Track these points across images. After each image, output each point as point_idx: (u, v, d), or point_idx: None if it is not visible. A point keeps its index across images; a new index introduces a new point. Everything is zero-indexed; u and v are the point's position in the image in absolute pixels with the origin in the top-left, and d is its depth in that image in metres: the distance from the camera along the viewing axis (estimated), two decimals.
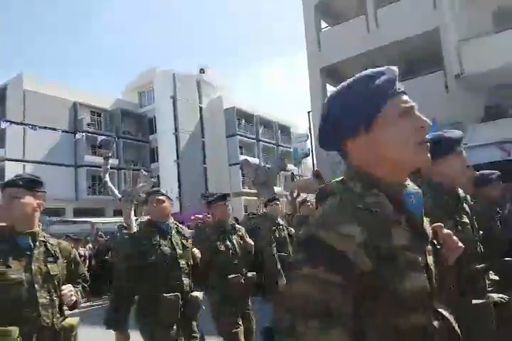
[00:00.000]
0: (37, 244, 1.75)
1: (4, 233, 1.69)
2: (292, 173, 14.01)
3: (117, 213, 18.17)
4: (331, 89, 13.87)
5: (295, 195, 12.78)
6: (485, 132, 8.51)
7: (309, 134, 13.84)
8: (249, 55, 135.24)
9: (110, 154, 13.60)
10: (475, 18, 9.72)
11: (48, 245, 1.79)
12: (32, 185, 1.76)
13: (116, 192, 11.90)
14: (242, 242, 3.25)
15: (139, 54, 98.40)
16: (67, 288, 1.80)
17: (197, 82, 29.46)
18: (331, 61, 12.36)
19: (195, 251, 2.85)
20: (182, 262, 2.56)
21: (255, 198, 13.63)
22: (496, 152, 7.95)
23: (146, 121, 29.14)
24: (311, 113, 13.48)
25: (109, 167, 12.84)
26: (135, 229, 5.35)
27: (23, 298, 1.63)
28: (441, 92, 10.28)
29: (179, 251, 2.58)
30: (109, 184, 12.01)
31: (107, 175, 12.40)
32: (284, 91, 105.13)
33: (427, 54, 10.77)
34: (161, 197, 2.66)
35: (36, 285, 1.67)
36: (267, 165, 11.74)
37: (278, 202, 4.69)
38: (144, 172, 13.75)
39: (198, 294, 2.59)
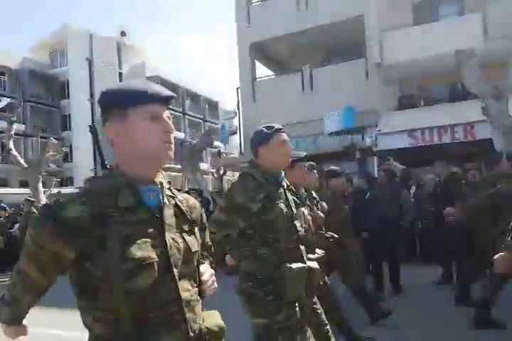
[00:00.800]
0: (165, 200, 1.06)
1: (119, 181, 1.02)
2: (219, 150, 13.92)
3: (24, 184, 16.44)
4: (260, 66, 13.85)
5: (222, 172, 12.79)
6: (397, 120, 9.28)
7: (237, 111, 13.75)
8: (176, 26, 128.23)
9: (15, 118, 12.13)
10: (397, 8, 10.25)
11: (179, 203, 1.10)
12: None
13: (21, 161, 10.75)
14: None
15: (54, 10, 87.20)
16: (208, 271, 1.16)
17: (117, 45, 27.16)
18: (261, 37, 12.21)
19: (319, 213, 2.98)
20: (298, 224, 1.99)
21: (180, 174, 13.30)
22: (406, 139, 8.75)
23: (58, 84, 26.59)
24: (239, 89, 13.36)
25: (13, 133, 11.48)
26: (44, 201, 4.84)
27: (158, 292, 0.97)
28: (361, 80, 10.87)
29: (294, 211, 2.01)
30: (14, 152, 10.78)
31: (11, 142, 11.09)
32: (213, 66, 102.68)
33: (350, 40, 11.17)
34: (286, 137, 2.01)
35: (175, 270, 1.01)
36: (193, 141, 11.47)
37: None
38: (54, 140, 12.56)
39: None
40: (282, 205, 1.88)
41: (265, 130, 1.98)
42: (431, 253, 5.97)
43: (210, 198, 7.95)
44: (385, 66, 9.84)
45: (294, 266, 1.83)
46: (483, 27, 8.57)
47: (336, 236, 3.25)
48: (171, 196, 1.09)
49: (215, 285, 1.18)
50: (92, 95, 24.22)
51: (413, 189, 6.89)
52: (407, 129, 8.78)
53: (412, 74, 9.94)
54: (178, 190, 1.16)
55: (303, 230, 2.02)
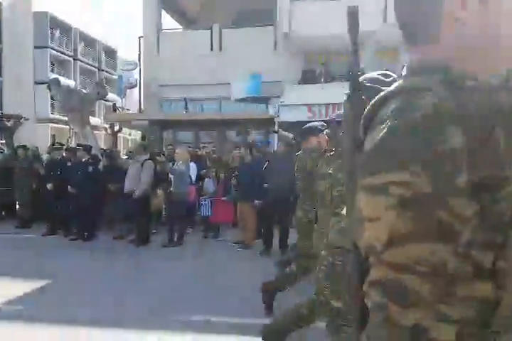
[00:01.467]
0: None
1: None
2: (114, 104, 12.77)
3: None
4: (167, 16, 12.80)
5: (116, 128, 11.81)
6: (299, 94, 9.60)
7: (138, 63, 12.61)
8: None
9: None
10: None
11: None
12: None
13: None
14: None
15: None
16: None
17: None
18: None
19: None
20: None
21: (66, 127, 11.90)
22: (305, 113, 9.14)
23: None
24: (142, 38, 12.22)
25: None
26: None
27: None
28: (269, 48, 10.86)
29: None
30: None
31: None
32: (114, 9, 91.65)
33: (262, 6, 10.95)
34: None
35: None
36: (84, 90, 10.24)
37: None
38: None
39: None
40: None
41: None
42: None
43: (99, 156, 7.31)
44: (292, 38, 9.91)
45: None
46: (383, 11, 9.10)
47: None
48: None
49: None
50: None
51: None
52: (308, 103, 9.17)
53: (316, 49, 10.22)
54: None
55: None
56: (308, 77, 10.68)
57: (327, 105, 8.98)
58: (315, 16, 9.54)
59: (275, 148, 7.36)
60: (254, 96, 10.37)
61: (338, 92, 10.37)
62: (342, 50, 9.82)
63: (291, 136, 5.60)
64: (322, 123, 3.43)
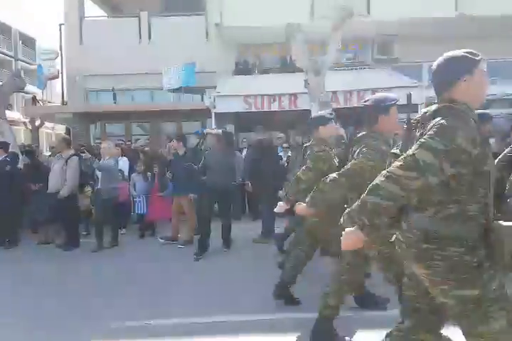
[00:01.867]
0: None
1: None
2: (34, 97, 11.68)
3: None
4: (89, 2, 11.91)
5: (37, 123, 10.81)
6: (234, 85, 9.52)
7: (60, 52, 11.60)
8: None
9: None
10: None
11: None
12: None
13: None
14: None
15: None
16: None
17: None
18: None
19: None
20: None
21: None
22: (241, 104, 9.10)
23: None
24: (63, 26, 11.26)
25: None
26: None
27: None
28: (201, 38, 10.57)
29: None
30: None
31: None
32: None
33: None
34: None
35: None
36: None
37: None
38: None
39: None
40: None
41: (469, 55, 1.61)
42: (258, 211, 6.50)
43: (19, 153, 6.64)
44: (223, 28, 9.74)
45: (506, 223, 1.53)
46: (311, 5, 9.28)
47: None
48: None
49: None
50: None
51: (245, 151, 7.34)
52: (243, 94, 9.11)
53: (248, 40, 10.17)
54: None
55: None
56: (241, 69, 10.62)
57: (262, 96, 9.00)
58: (247, 7, 9.42)
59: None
60: (189, 87, 10.10)
61: (272, 83, 10.57)
62: (272, 42, 9.88)
63: (220, 131, 5.50)
64: (329, 111, 3.39)
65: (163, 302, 3.52)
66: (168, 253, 5.25)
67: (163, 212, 6.05)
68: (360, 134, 2.52)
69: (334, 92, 8.46)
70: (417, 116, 1.68)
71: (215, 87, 9.66)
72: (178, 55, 9.85)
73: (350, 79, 9.06)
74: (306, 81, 7.61)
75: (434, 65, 1.64)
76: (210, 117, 9.32)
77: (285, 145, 7.30)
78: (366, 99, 2.53)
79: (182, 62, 9.82)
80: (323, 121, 3.22)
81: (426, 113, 1.61)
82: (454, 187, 1.51)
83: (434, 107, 1.59)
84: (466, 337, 1.56)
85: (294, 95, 8.85)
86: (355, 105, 8.47)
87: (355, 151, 2.48)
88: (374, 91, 8.56)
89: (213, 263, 4.68)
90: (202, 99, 10.51)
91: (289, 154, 6.75)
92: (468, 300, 1.50)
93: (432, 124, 1.50)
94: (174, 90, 10.29)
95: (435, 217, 1.53)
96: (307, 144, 3.35)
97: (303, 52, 7.64)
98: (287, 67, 10.06)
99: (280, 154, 6.91)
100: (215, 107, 9.11)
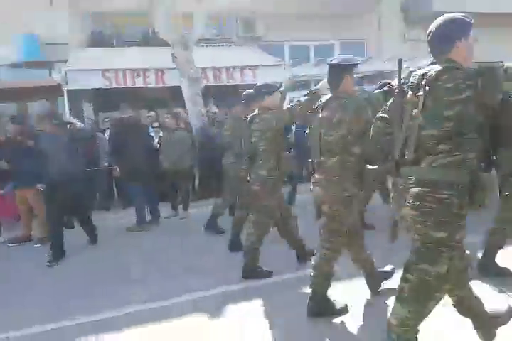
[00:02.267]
0: None
1: None
2: None
3: None
4: None
5: None
6: (89, 58, 8.35)
7: None
8: None
9: None
10: None
11: None
12: None
13: None
14: None
15: None
16: None
17: None
18: None
19: None
20: None
21: None
22: (100, 80, 8.04)
23: None
24: None
25: None
26: None
27: None
28: (44, 4, 8.86)
29: None
30: None
31: None
32: None
33: None
34: None
35: None
36: None
37: None
38: None
39: None
40: None
41: (466, 19, 1.70)
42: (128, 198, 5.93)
43: None
44: None
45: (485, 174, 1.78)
46: None
47: None
48: None
49: None
50: None
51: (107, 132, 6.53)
52: (101, 69, 8.03)
53: (105, 9, 9.00)
54: None
55: None
56: (97, 40, 9.39)
57: (124, 70, 8.10)
58: None
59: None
60: (32, 61, 8.46)
61: (135, 57, 9.62)
62: (133, 12, 8.95)
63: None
64: (276, 81, 3.38)
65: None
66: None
67: (5, 211, 5.14)
68: (326, 97, 2.52)
69: (203, 69, 8.13)
70: (411, 79, 1.70)
71: (66, 61, 8.32)
72: (14, 23, 8.10)
73: (217, 56, 8.85)
74: (173, 55, 7.10)
75: (433, 26, 1.69)
76: (62, 95, 8.02)
77: (155, 124, 6.75)
78: (331, 58, 2.52)
79: (22, 32, 8.17)
80: (271, 89, 3.23)
81: (425, 74, 1.60)
82: (471, 135, 1.60)
83: (437, 67, 1.59)
84: (407, 269, 1.70)
85: (161, 70, 8.20)
86: (225, 83, 8.35)
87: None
88: (242, 69, 8.58)
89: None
90: (50, 75, 8.94)
91: (161, 134, 6.16)
92: (432, 239, 1.63)
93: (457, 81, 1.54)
94: (13, 65, 8.53)
95: (431, 166, 1.63)
96: (253, 114, 3.29)
97: (166, 24, 7.08)
98: (150, 39, 9.28)
99: (151, 135, 6.33)
100: (67, 83, 7.85)
